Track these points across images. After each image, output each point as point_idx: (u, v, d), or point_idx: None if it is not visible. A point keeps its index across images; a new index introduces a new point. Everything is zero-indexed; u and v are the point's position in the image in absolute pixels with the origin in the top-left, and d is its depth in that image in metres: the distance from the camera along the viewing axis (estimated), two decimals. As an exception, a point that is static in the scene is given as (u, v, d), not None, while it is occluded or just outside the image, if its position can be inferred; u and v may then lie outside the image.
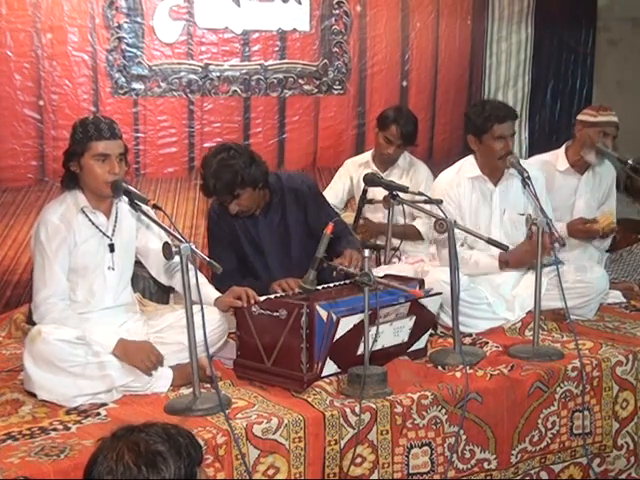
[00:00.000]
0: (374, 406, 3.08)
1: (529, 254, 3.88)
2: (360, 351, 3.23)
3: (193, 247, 2.95)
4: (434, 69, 5.75)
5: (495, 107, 4.09)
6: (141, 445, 1.75)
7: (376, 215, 4.79)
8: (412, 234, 4.71)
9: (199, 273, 3.10)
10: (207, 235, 4.09)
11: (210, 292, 3.42)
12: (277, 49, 5.13)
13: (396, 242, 4.48)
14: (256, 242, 3.93)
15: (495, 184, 4.13)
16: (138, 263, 3.60)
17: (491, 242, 3.63)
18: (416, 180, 4.87)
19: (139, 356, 3.15)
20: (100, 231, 3.36)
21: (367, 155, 5.02)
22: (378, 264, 4.45)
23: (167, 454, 1.75)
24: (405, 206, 4.20)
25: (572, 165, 4.60)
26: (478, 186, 4.13)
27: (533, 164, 4.36)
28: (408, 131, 4.80)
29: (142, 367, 3.15)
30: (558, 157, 4.63)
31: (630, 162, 4.56)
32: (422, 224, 4.70)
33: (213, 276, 3.65)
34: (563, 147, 4.67)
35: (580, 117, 4.61)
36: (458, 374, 3.36)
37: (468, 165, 4.15)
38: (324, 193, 4.45)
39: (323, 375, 3.22)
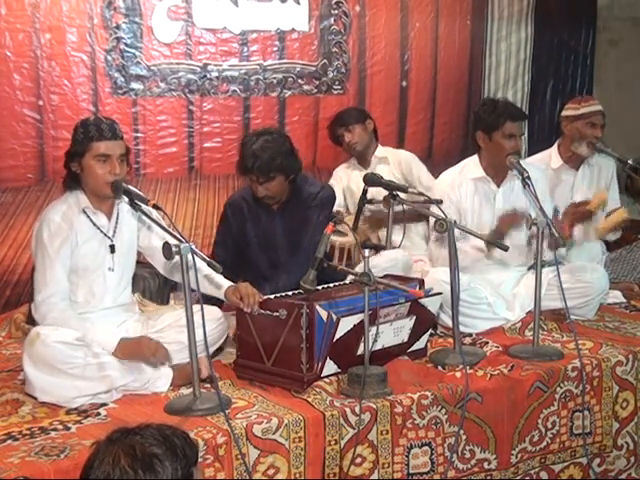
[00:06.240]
0: (374, 406, 3.07)
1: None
2: (360, 351, 3.23)
3: (193, 247, 2.95)
4: (434, 69, 5.74)
5: (508, 105, 4.11)
6: (137, 448, 1.75)
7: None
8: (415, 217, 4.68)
9: (204, 265, 3.09)
10: (217, 225, 4.19)
11: (221, 281, 3.40)
12: (276, 49, 5.13)
13: (396, 241, 4.47)
14: (267, 237, 3.97)
15: (498, 185, 4.12)
16: (139, 263, 3.60)
17: (491, 242, 3.63)
18: (406, 167, 4.87)
19: (140, 349, 3.15)
20: (101, 232, 3.35)
21: (351, 159, 5.03)
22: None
23: (163, 456, 1.75)
24: (405, 206, 4.20)
25: (566, 162, 4.59)
26: (481, 187, 4.11)
27: (531, 164, 4.35)
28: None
29: (145, 358, 3.15)
30: (551, 155, 4.63)
31: (630, 162, 4.56)
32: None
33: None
34: (555, 145, 4.67)
35: (564, 113, 4.61)
36: (458, 374, 3.35)
37: (472, 165, 4.14)
38: None
39: (323, 375, 3.22)
